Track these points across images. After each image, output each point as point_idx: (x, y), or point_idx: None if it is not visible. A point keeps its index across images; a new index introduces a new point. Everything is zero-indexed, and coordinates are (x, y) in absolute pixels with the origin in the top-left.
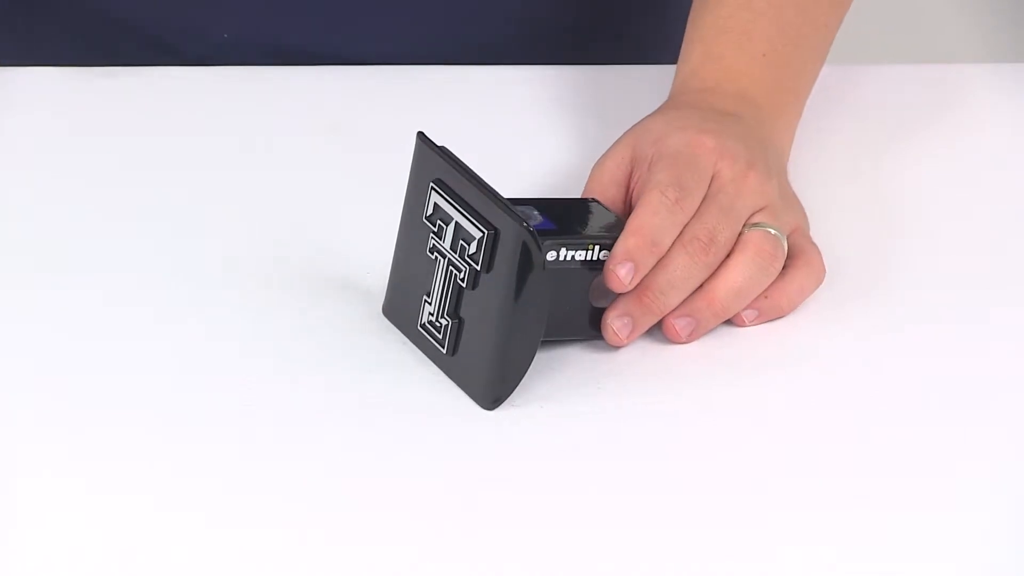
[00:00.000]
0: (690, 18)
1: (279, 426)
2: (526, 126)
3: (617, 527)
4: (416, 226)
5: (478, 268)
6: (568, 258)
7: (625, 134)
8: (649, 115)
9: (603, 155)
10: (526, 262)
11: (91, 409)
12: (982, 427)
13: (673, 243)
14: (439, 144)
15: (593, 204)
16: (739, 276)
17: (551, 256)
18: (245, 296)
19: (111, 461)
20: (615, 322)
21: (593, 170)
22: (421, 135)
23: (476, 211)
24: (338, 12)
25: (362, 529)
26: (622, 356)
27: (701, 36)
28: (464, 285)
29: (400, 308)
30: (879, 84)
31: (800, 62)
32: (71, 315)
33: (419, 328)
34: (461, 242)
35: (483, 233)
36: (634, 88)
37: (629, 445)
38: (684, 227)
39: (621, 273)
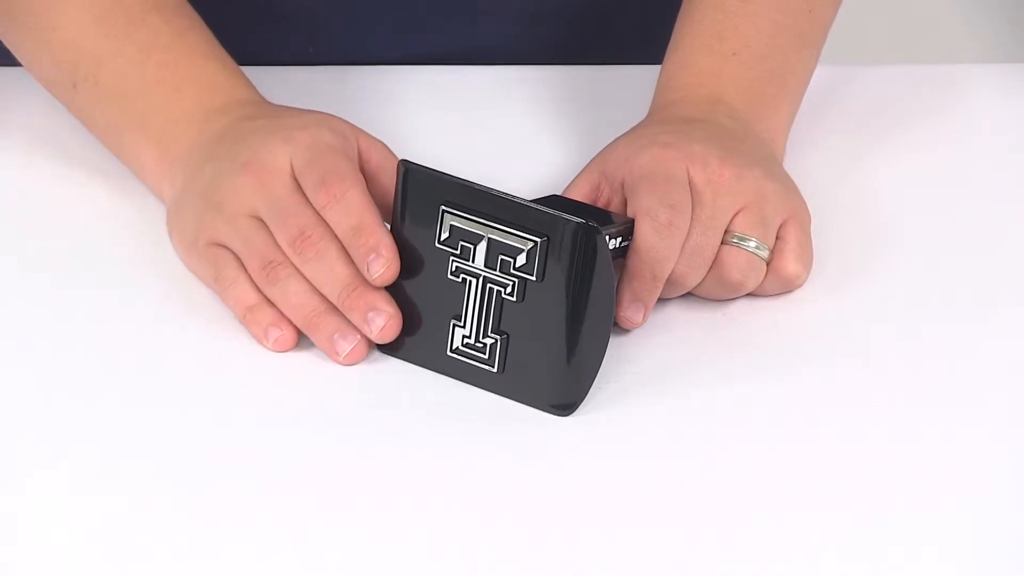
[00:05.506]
0: (675, 26)
1: (279, 426)
2: (526, 126)
3: (618, 527)
4: (424, 254)
5: (532, 278)
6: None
7: (593, 159)
8: (616, 138)
9: (573, 179)
10: (590, 253)
11: (89, 409)
12: (986, 427)
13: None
14: (424, 164)
15: (580, 201)
16: (706, 293)
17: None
18: None
19: (108, 461)
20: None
21: (563, 192)
22: (405, 163)
23: (513, 222)
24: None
25: (363, 529)
26: (622, 356)
27: (676, 44)
28: (513, 299)
29: (413, 339)
30: (879, 84)
31: (780, 53)
32: (70, 314)
33: (450, 354)
34: (502, 257)
35: (534, 242)
36: (634, 88)
37: (629, 445)
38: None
39: (629, 314)
